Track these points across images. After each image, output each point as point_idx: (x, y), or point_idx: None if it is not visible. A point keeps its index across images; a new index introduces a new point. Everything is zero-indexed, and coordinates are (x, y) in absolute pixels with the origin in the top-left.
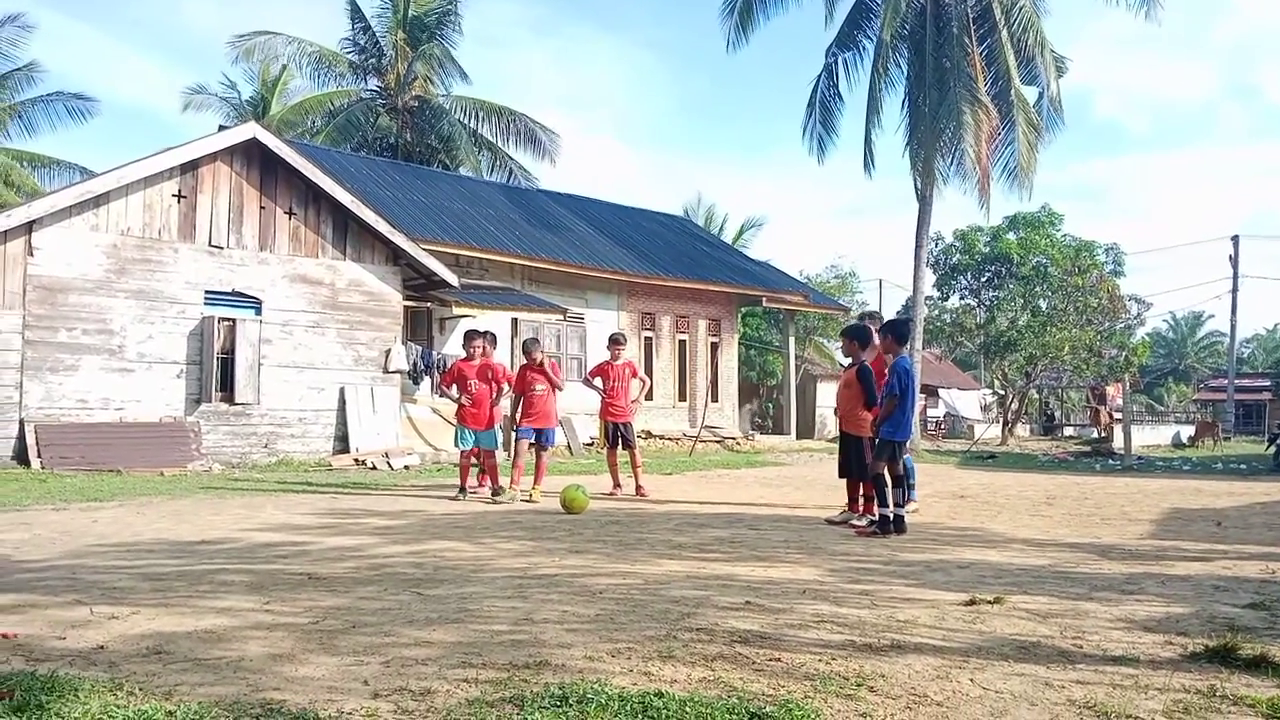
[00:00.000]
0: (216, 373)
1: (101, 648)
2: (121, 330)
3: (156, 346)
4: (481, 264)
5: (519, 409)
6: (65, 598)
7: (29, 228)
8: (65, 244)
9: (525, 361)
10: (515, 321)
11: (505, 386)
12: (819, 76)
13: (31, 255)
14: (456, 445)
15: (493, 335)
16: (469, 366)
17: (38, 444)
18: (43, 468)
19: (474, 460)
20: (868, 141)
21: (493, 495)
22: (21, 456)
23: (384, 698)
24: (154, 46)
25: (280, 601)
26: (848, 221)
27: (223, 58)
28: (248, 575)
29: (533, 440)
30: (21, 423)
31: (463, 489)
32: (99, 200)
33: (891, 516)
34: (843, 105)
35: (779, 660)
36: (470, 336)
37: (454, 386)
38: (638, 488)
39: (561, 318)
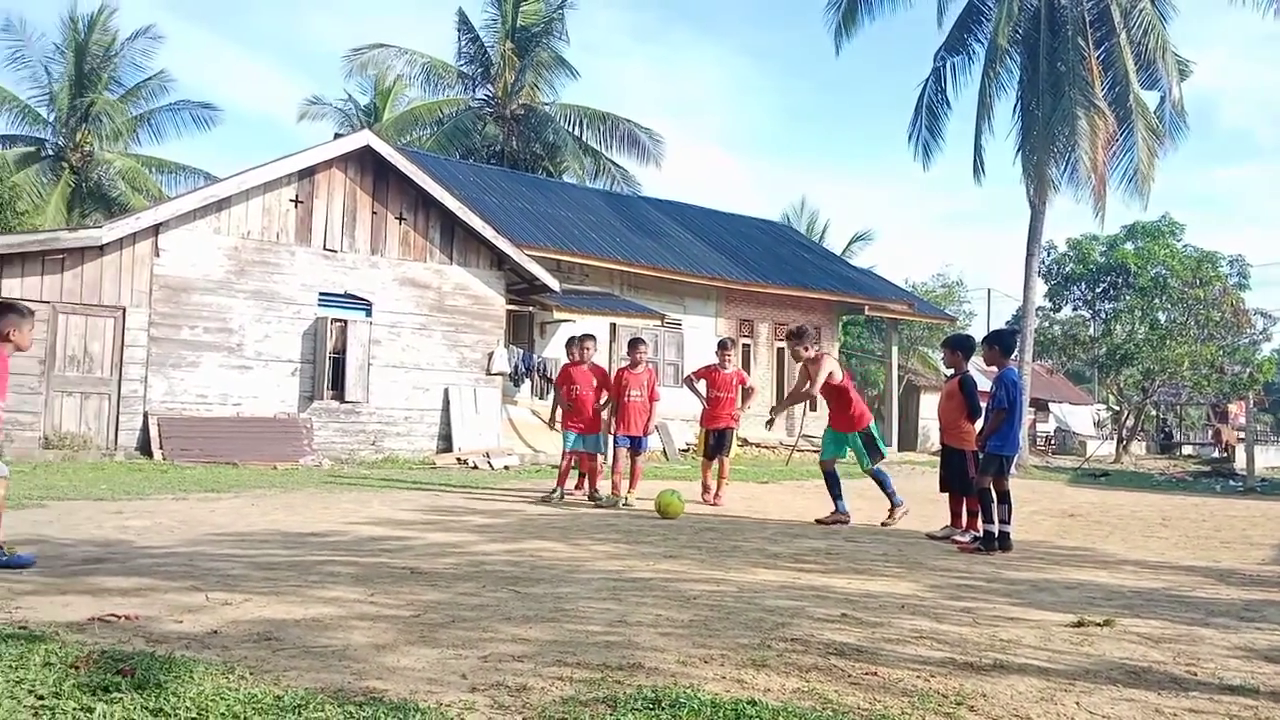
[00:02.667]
0: (328, 371)
1: (215, 632)
2: (240, 329)
3: (272, 345)
4: (582, 269)
5: (615, 415)
6: (183, 583)
7: (156, 230)
8: (189, 246)
9: (627, 362)
10: (614, 327)
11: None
12: (926, 81)
13: (158, 256)
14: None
15: (593, 338)
16: (576, 370)
17: (160, 436)
18: (164, 459)
19: (574, 464)
20: (977, 147)
21: (589, 498)
22: (145, 447)
23: (481, 692)
24: (276, 57)
25: (384, 594)
26: (954, 229)
27: (339, 69)
28: (354, 567)
29: (628, 447)
30: (146, 415)
31: (557, 491)
32: (221, 204)
33: (997, 533)
34: (950, 110)
35: (876, 674)
36: (581, 340)
37: (562, 389)
38: (715, 495)
39: (659, 323)
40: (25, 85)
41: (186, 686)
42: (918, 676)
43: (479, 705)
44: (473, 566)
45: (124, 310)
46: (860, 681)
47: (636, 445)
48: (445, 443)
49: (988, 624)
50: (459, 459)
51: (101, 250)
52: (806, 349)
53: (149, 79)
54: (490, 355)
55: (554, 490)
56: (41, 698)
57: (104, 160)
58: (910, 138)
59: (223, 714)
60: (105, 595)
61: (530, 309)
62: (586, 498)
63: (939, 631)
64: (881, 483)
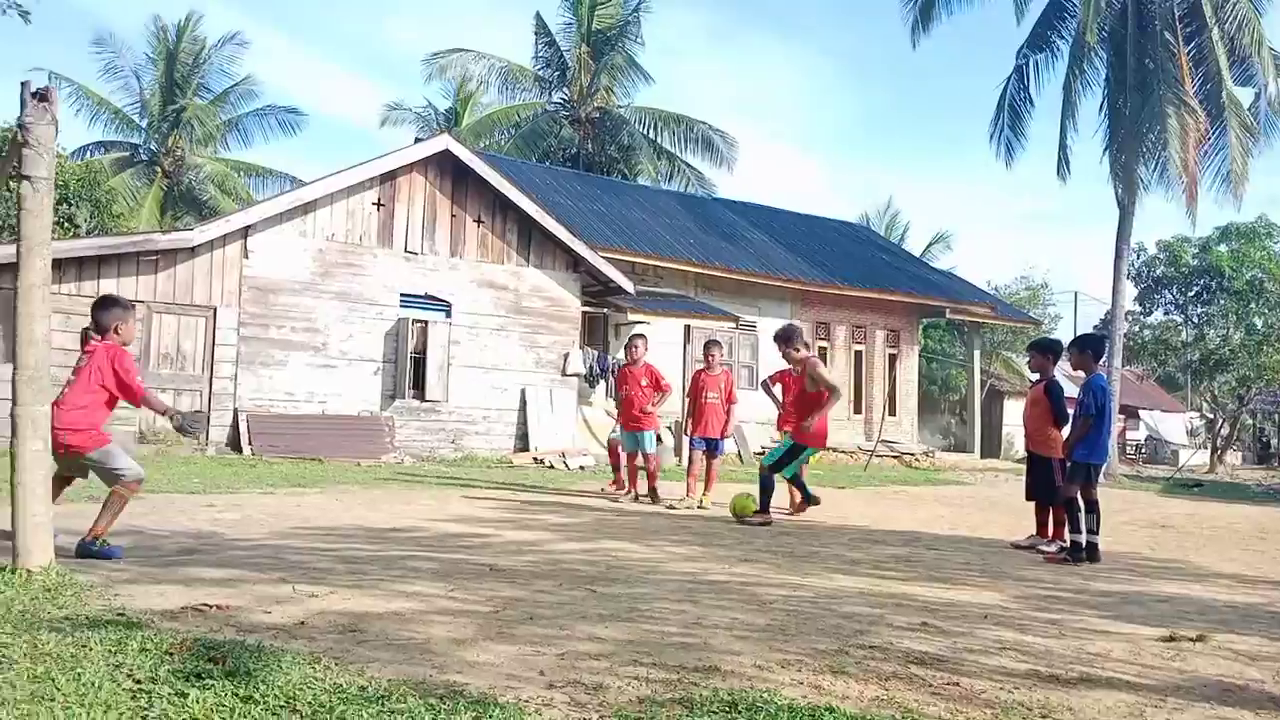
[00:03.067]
0: (409, 371)
1: (302, 623)
2: (325, 329)
3: (356, 345)
4: (656, 271)
5: (691, 417)
6: (271, 575)
7: (245, 232)
8: (277, 247)
9: (703, 364)
10: (688, 329)
11: (660, 392)
12: (1008, 78)
13: (247, 258)
14: None
15: (642, 338)
16: (625, 370)
17: (249, 432)
18: (253, 454)
19: (625, 462)
20: (1062, 146)
21: (635, 499)
22: (235, 443)
23: (558, 689)
24: (358, 62)
25: (463, 590)
26: (1038, 230)
27: (419, 73)
28: (434, 563)
29: (704, 449)
30: (235, 412)
31: (627, 490)
32: (307, 208)
33: (1084, 543)
34: (1033, 108)
35: (957, 685)
36: (630, 341)
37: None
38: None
39: (734, 326)
40: (119, 93)
41: (275, 675)
42: (1001, 688)
43: (556, 702)
44: (550, 565)
45: (215, 310)
46: (941, 691)
47: (713, 448)
48: (522, 442)
49: (1074, 636)
50: (535, 458)
51: (193, 252)
52: (798, 350)
53: (236, 84)
54: (565, 356)
55: (614, 485)
56: (139, 682)
57: (194, 164)
58: (992, 137)
59: (310, 703)
60: (198, 585)
61: (605, 311)
62: (633, 499)
63: (1023, 643)
64: (766, 489)
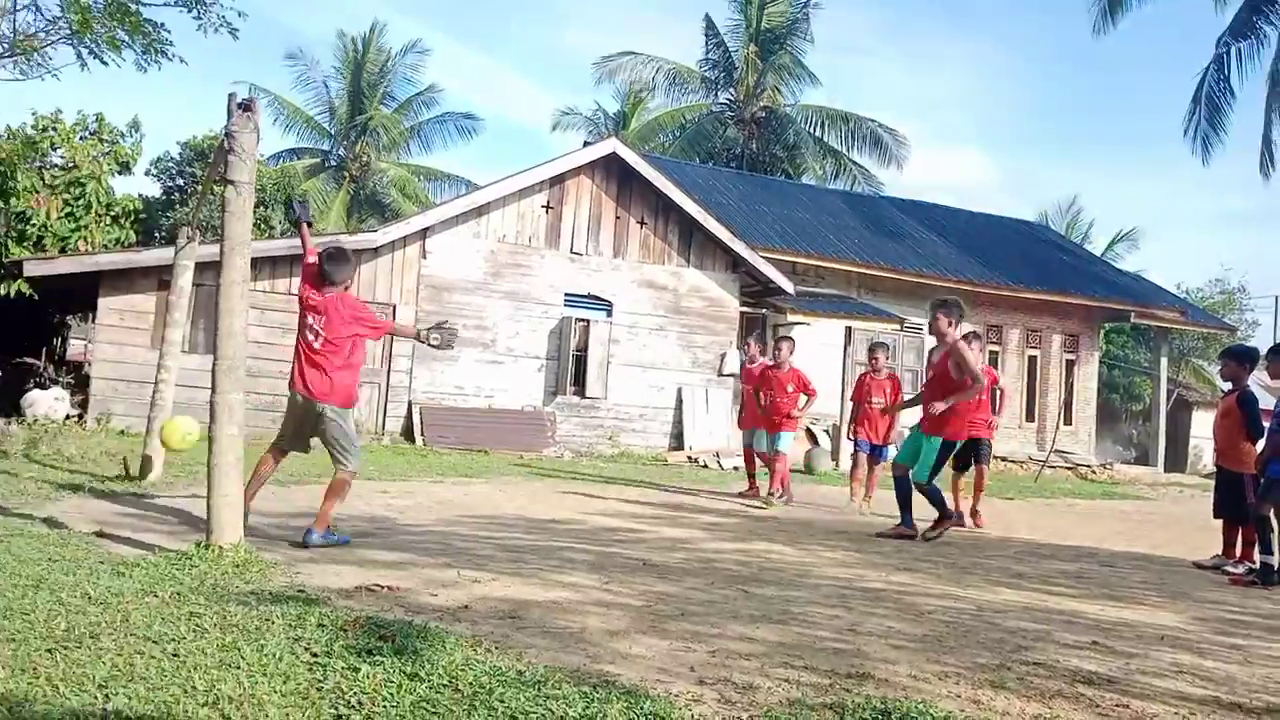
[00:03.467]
0: (571, 368)
1: (466, 607)
2: (494, 326)
3: (522, 342)
4: (817, 271)
5: (855, 420)
6: (438, 560)
7: (423, 234)
8: (452, 249)
9: (867, 368)
10: (849, 330)
11: (808, 396)
12: (1206, 68)
13: (424, 258)
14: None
15: (790, 340)
16: (769, 372)
17: (422, 423)
18: (424, 444)
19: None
20: (1266, 139)
21: (756, 497)
22: (408, 433)
23: (709, 685)
24: (533, 69)
25: (618, 582)
26: (1236, 230)
27: (589, 77)
28: (590, 555)
29: (869, 453)
30: (410, 404)
31: (752, 487)
32: (480, 210)
33: (1276, 565)
34: (1234, 100)
35: (1126, 707)
36: (776, 343)
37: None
38: (972, 514)
39: (898, 328)
40: (311, 103)
41: (439, 655)
42: (1175, 713)
43: (706, 698)
44: (702, 563)
45: (394, 307)
46: (1109, 713)
47: (876, 453)
48: (677, 441)
49: (1261, 664)
50: (689, 457)
51: (376, 252)
52: (952, 324)
53: (419, 93)
54: (723, 356)
55: (759, 491)
56: (315, 655)
57: (379, 169)
58: (1186, 131)
59: (470, 683)
60: (371, 567)
61: (764, 311)
62: (752, 498)
63: (1202, 668)
64: (935, 500)
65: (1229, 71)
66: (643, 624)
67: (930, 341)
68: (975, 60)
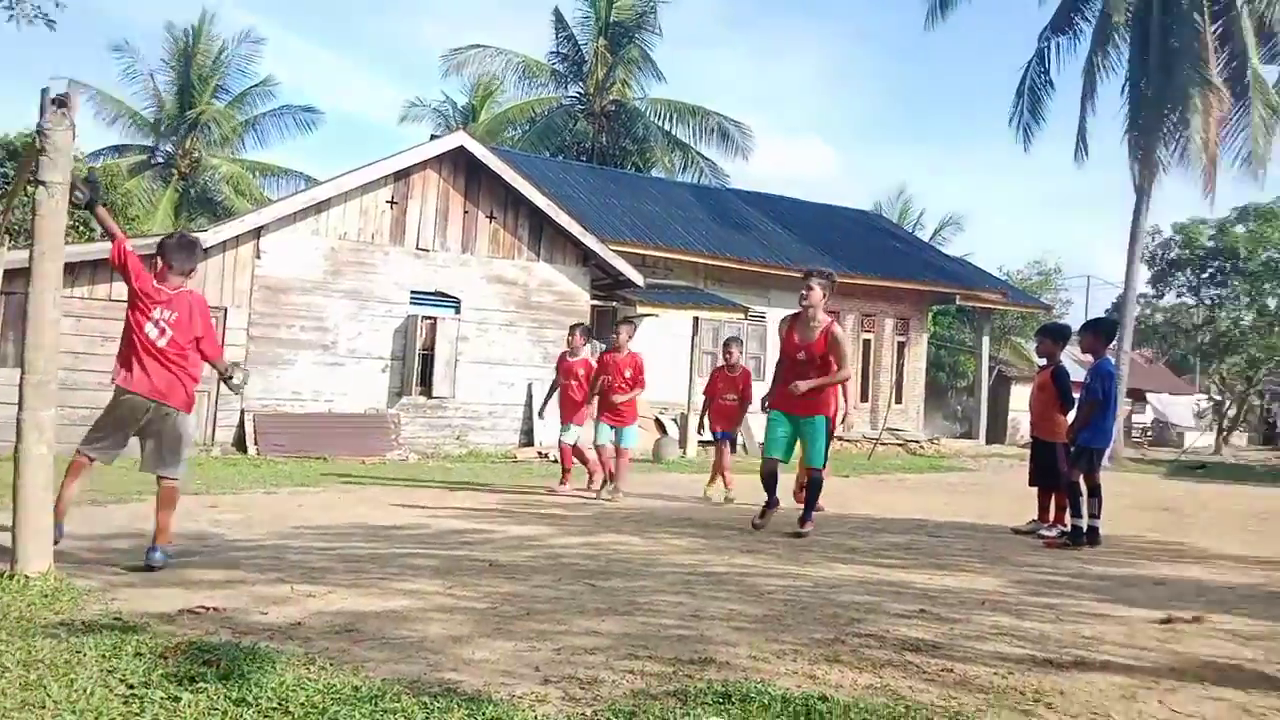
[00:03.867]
0: (417, 368)
1: (298, 624)
2: (334, 327)
3: (365, 343)
4: (666, 264)
5: (709, 414)
6: (270, 575)
7: (258, 232)
8: (288, 248)
9: (722, 363)
10: (696, 321)
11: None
12: (1029, 61)
13: (258, 258)
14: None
15: (585, 328)
16: (608, 357)
17: (255, 432)
18: (258, 454)
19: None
20: (1081, 129)
21: (609, 489)
22: (240, 443)
23: (553, 684)
24: (376, 60)
25: (462, 586)
26: (1053, 215)
27: (437, 71)
28: (434, 560)
29: (719, 439)
30: (242, 412)
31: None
32: (320, 207)
33: (1085, 528)
34: (1053, 91)
35: (951, 671)
36: (616, 326)
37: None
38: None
39: (743, 316)
40: (138, 97)
41: (269, 677)
42: (995, 673)
43: (551, 697)
44: (550, 560)
45: (225, 310)
46: (935, 678)
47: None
48: (527, 437)
49: (1071, 620)
50: (540, 453)
51: (206, 253)
52: (825, 296)
53: (254, 85)
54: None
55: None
56: (132, 687)
57: (210, 166)
58: (1011, 120)
59: (302, 704)
60: (195, 587)
61: (614, 304)
62: (611, 493)
63: (1019, 628)
64: (816, 492)
65: (1049, 64)
66: (487, 627)
67: (774, 327)
68: (817, 54)
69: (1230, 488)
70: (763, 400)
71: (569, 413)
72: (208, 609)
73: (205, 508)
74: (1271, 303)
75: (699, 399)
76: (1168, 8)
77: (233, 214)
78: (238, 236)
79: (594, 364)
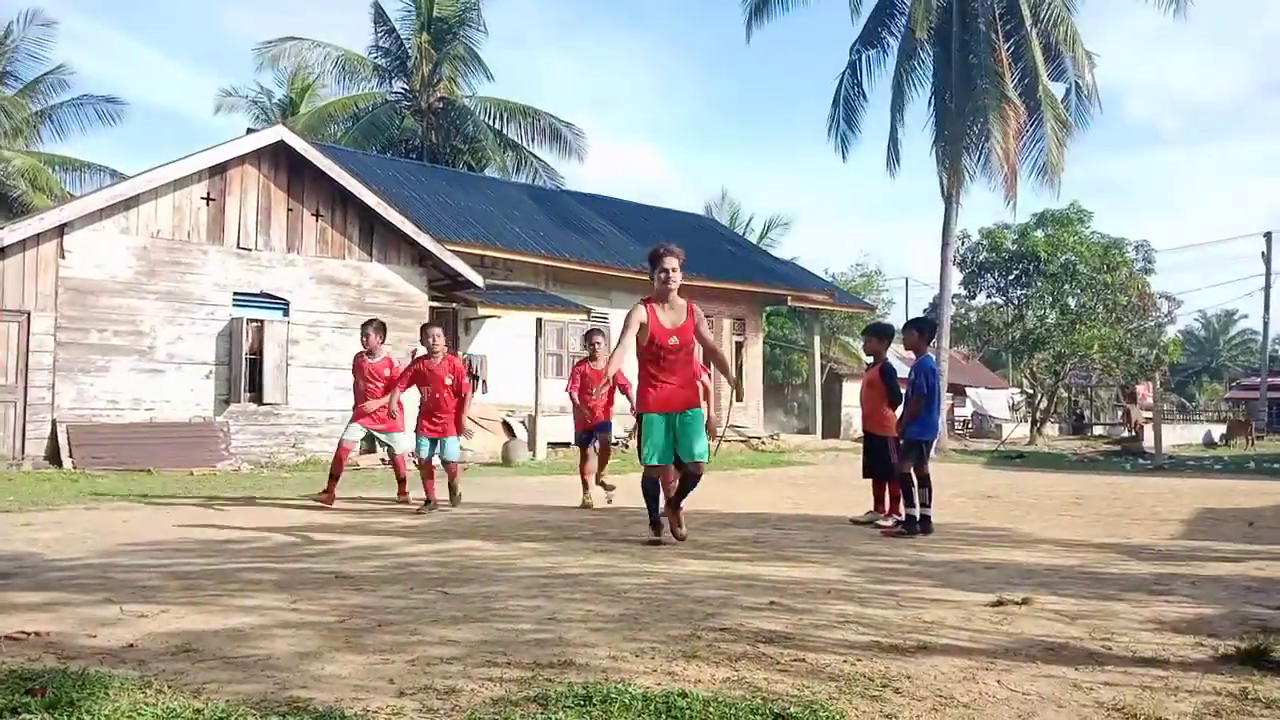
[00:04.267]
0: (245, 373)
1: (131, 646)
2: (151, 331)
3: (186, 347)
4: (506, 264)
5: (583, 411)
6: (96, 596)
7: (60, 231)
8: (96, 247)
9: (588, 354)
10: (540, 321)
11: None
12: (843, 73)
13: (63, 258)
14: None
15: (380, 324)
16: (424, 366)
17: (70, 444)
18: (75, 468)
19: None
20: (893, 140)
21: (433, 506)
22: (54, 456)
23: (409, 696)
24: (185, 51)
25: (307, 600)
26: (873, 220)
27: (251, 64)
28: (275, 574)
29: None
30: (54, 423)
31: (328, 492)
32: (129, 203)
33: (918, 516)
34: (867, 103)
35: (803, 661)
36: (426, 330)
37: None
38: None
39: (585, 317)
40: None
41: (101, 704)
42: (844, 661)
43: (407, 710)
44: (399, 568)
45: (28, 314)
46: (789, 668)
47: (604, 429)
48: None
49: (911, 606)
50: (382, 459)
51: (3, 252)
52: (672, 280)
53: (48, 73)
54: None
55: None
56: None
57: (2, 158)
58: (829, 130)
59: None
60: (14, 611)
61: (454, 305)
62: (431, 509)
63: (864, 615)
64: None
65: (861, 77)
66: (336, 641)
67: (616, 327)
68: (647, 60)
69: (1046, 475)
70: (635, 404)
71: (363, 414)
72: (29, 634)
73: (19, 525)
74: (1072, 302)
75: (547, 400)
76: (966, 26)
77: (31, 210)
78: (38, 235)
79: (396, 363)
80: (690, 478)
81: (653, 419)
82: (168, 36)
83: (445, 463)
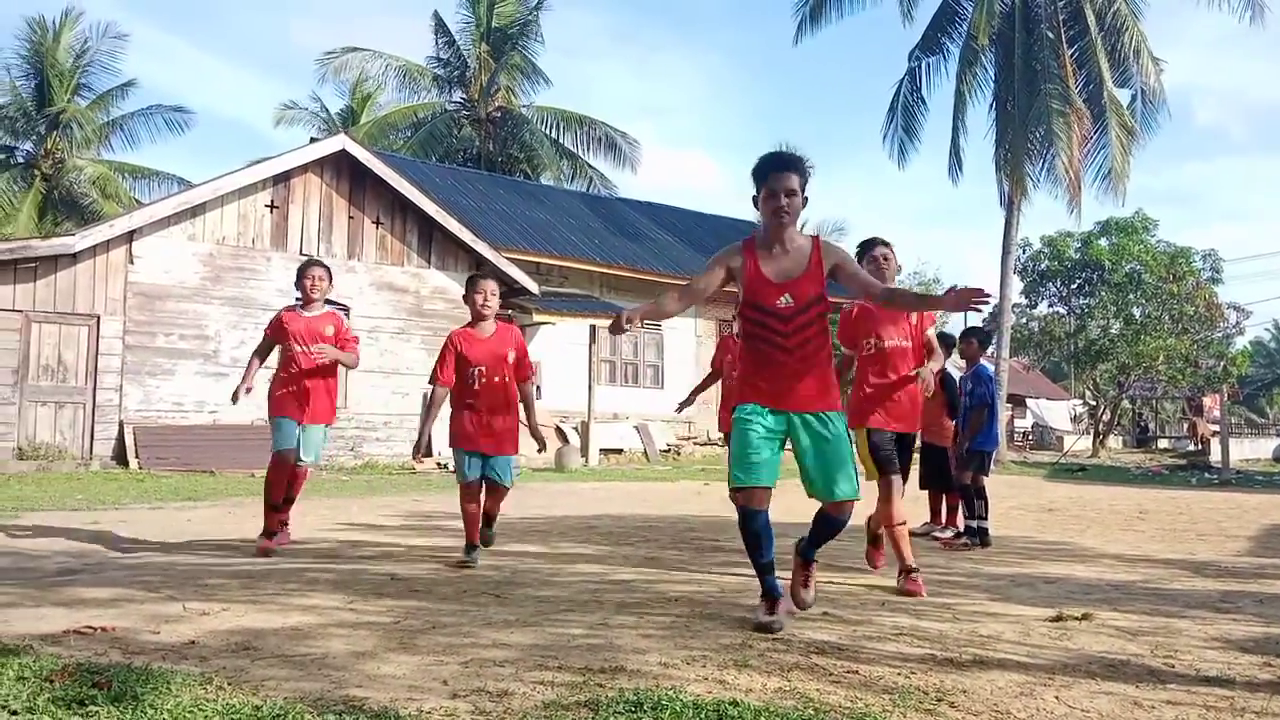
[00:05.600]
0: None
1: (193, 643)
2: (216, 335)
3: (249, 352)
4: (561, 271)
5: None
6: (160, 593)
7: (129, 237)
8: (163, 253)
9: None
10: (593, 329)
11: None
12: (901, 80)
13: (131, 264)
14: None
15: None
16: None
17: (136, 445)
18: (140, 468)
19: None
20: (954, 146)
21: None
22: (121, 457)
23: (462, 698)
24: (251, 61)
25: (363, 600)
26: (930, 227)
27: (313, 74)
28: (333, 574)
29: None
30: (121, 424)
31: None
32: (196, 210)
33: (976, 528)
34: (926, 110)
35: (856, 672)
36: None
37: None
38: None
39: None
40: None
41: (163, 698)
42: (898, 673)
43: (460, 712)
44: (453, 571)
45: (98, 318)
46: (841, 680)
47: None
48: (426, 448)
49: (968, 620)
50: (439, 464)
51: (75, 258)
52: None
53: (121, 85)
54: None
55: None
56: (15, 713)
57: (75, 167)
58: (885, 137)
59: None
60: (81, 607)
61: (509, 312)
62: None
63: (919, 628)
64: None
65: (920, 84)
66: (391, 642)
67: (669, 335)
68: (700, 68)
69: (1109, 489)
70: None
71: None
72: (95, 629)
73: (87, 524)
74: (1136, 312)
75: (599, 407)
76: (1029, 31)
77: (101, 217)
78: (108, 241)
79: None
80: (829, 524)
81: (749, 414)
82: (229, 46)
83: (494, 488)
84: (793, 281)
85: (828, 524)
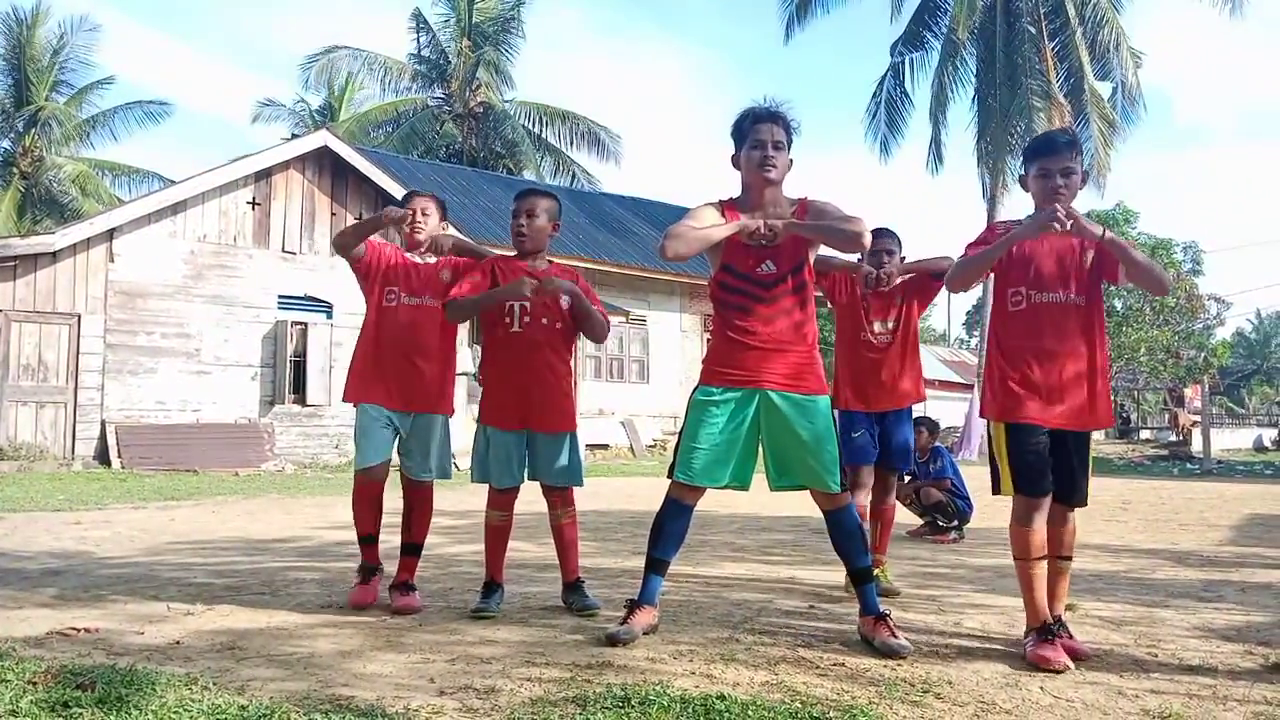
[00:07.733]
0: (289, 375)
1: (177, 643)
2: (198, 334)
3: (232, 350)
4: None
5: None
6: (144, 594)
7: (110, 235)
8: (144, 250)
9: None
10: None
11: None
12: (884, 75)
13: (112, 262)
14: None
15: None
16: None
17: (118, 444)
18: (123, 467)
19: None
20: (935, 140)
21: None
22: (103, 456)
23: (449, 695)
24: (228, 55)
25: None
26: (910, 219)
27: (296, 79)
28: (318, 573)
29: None
30: (103, 424)
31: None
32: (176, 208)
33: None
34: (910, 105)
35: (843, 665)
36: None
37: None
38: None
39: (624, 320)
40: None
41: (148, 699)
42: (885, 666)
43: (447, 709)
44: (440, 569)
45: (79, 317)
46: (829, 672)
47: None
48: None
49: (953, 611)
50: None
51: (54, 257)
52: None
53: (99, 81)
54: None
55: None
56: None
57: (54, 165)
58: (868, 131)
59: None
60: (64, 608)
61: None
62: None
63: (905, 620)
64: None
65: (904, 78)
66: (378, 640)
67: (653, 329)
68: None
69: (1092, 480)
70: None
71: None
72: (79, 630)
73: (69, 524)
74: (1117, 304)
75: (585, 403)
76: (1010, 26)
77: (81, 215)
78: (89, 239)
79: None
80: (834, 526)
81: (710, 399)
82: (207, 40)
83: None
84: (775, 246)
85: (835, 528)
